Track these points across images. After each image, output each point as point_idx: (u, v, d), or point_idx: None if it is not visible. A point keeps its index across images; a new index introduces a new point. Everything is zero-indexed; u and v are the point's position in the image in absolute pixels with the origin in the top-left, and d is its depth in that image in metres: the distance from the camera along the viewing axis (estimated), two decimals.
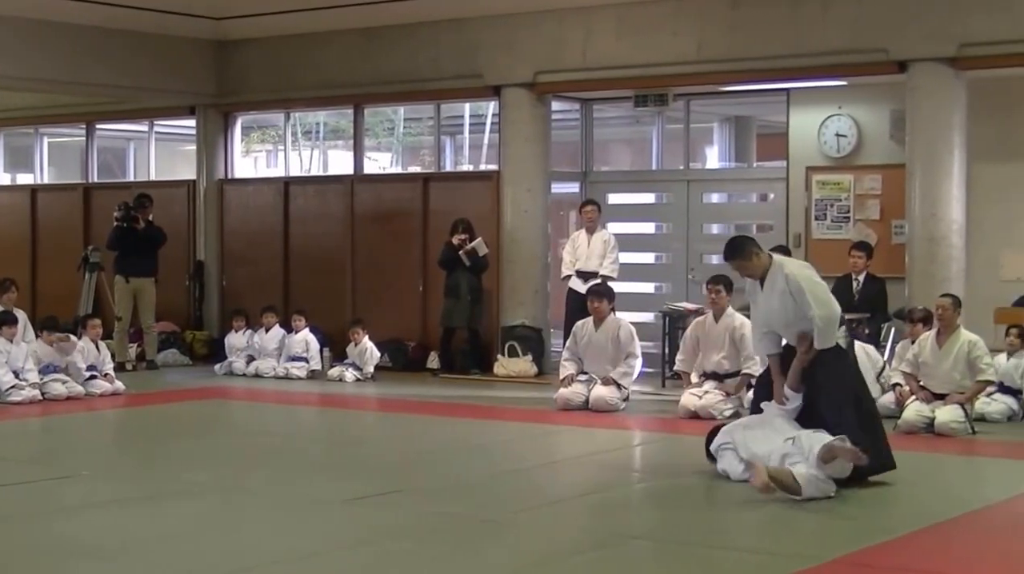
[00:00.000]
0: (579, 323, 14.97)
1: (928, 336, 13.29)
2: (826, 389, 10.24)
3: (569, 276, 17.05)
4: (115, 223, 18.67)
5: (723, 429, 10.60)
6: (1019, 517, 9.41)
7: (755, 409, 10.86)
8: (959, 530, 8.75)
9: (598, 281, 16.32)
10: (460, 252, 17.61)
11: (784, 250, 15.91)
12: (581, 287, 16.60)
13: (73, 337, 15.83)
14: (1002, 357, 13.81)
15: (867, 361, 13.69)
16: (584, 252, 17.04)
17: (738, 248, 10.64)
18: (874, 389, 12.79)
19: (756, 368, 12.92)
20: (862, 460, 9.52)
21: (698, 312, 15.20)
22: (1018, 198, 15.92)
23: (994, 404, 13.46)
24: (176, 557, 8.11)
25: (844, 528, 8.89)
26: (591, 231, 17.10)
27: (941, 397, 12.93)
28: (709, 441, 10.64)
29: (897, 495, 9.70)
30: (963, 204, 15.46)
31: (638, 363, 14.71)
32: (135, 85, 19.75)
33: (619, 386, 14.45)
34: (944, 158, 15.34)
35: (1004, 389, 13.61)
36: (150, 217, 18.85)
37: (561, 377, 14.80)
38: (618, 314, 14.89)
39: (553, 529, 9.00)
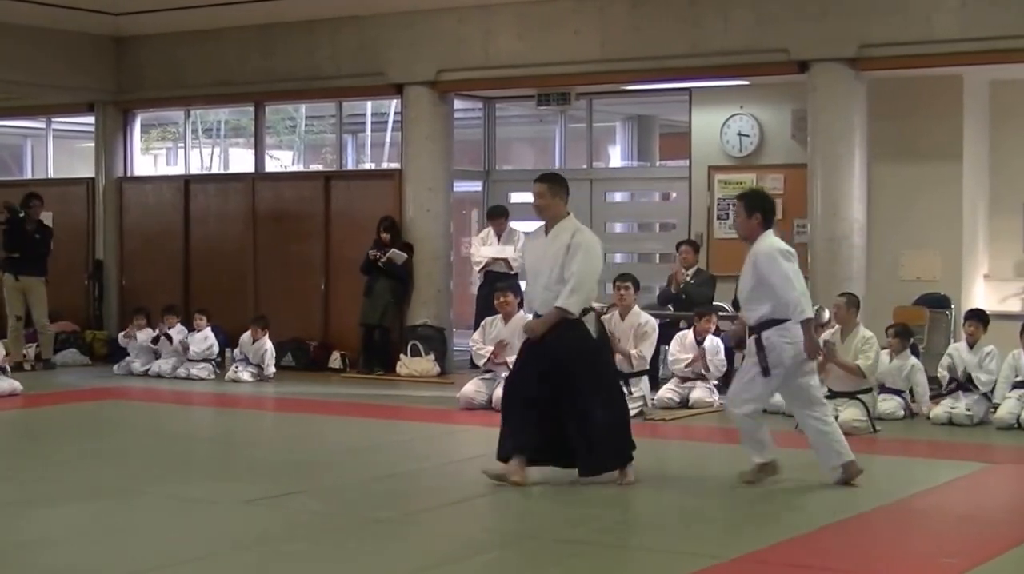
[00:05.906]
0: (488, 319, 14.90)
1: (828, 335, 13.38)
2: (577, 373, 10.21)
3: (483, 265, 17.00)
4: (2, 223, 18.39)
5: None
6: (919, 513, 9.48)
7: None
8: (860, 527, 8.79)
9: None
10: (379, 263, 17.52)
11: (694, 244, 16.12)
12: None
13: None
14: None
15: None
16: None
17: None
18: None
19: None
20: None
21: (604, 310, 15.18)
22: (918, 198, 16.05)
23: (887, 402, 13.59)
24: (70, 560, 8.00)
25: (746, 526, 8.92)
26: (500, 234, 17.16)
27: (843, 395, 13.00)
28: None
29: (800, 493, 9.72)
30: (864, 204, 15.57)
31: None
32: (32, 81, 19.46)
33: None
34: (845, 158, 15.41)
35: (884, 389, 13.73)
36: (39, 216, 18.56)
37: (483, 359, 14.56)
38: (524, 312, 14.84)
39: (454, 529, 8.96)
